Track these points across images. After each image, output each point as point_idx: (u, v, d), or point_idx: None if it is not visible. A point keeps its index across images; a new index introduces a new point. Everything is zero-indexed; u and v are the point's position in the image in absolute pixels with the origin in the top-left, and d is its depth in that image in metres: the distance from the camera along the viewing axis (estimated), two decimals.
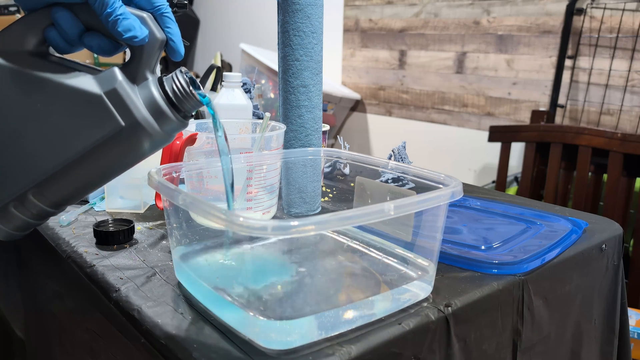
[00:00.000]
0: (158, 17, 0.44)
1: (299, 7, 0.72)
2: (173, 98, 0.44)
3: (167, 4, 0.45)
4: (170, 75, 0.45)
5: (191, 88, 0.45)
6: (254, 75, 2.05)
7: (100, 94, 0.42)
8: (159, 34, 0.44)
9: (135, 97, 0.42)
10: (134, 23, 0.42)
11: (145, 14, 0.43)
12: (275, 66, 1.98)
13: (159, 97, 0.43)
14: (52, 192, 0.44)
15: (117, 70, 0.43)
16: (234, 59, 2.91)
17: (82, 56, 2.48)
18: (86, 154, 0.42)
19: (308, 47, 0.74)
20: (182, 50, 0.46)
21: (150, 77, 0.44)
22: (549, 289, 0.64)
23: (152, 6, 0.44)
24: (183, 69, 0.46)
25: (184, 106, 0.45)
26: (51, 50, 0.45)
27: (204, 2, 3.51)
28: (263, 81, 2.01)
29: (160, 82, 0.44)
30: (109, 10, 0.41)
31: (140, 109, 0.42)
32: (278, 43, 0.76)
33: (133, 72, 0.43)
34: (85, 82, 0.42)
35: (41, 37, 0.43)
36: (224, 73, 0.95)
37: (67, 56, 0.46)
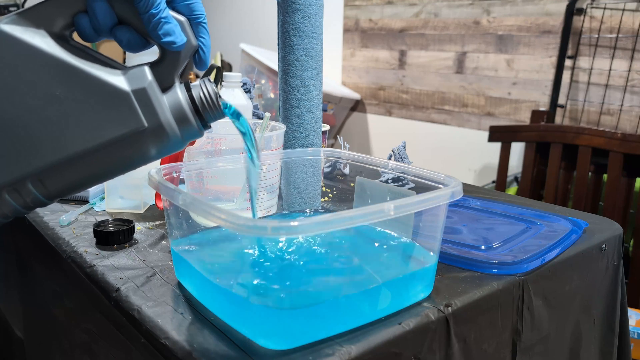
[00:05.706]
0: (194, 25, 0.44)
1: (299, 7, 0.72)
2: (199, 106, 0.44)
3: (205, 14, 0.45)
4: (198, 82, 0.44)
5: (219, 99, 0.44)
6: (254, 75, 2.05)
7: (128, 91, 0.41)
8: (193, 41, 0.44)
9: (162, 100, 0.42)
10: (175, 28, 0.42)
11: (183, 19, 0.43)
12: (275, 66, 1.98)
13: (186, 103, 0.43)
14: (53, 183, 0.42)
15: (147, 69, 0.42)
16: (234, 59, 2.91)
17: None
18: (98, 149, 0.41)
19: (308, 47, 0.74)
20: (209, 61, 0.46)
21: (176, 81, 0.43)
22: (549, 289, 0.64)
23: (191, 13, 0.44)
24: (209, 78, 0.45)
25: (207, 115, 0.44)
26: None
27: (204, 2, 3.49)
28: (263, 81, 2.01)
29: (187, 88, 0.44)
30: (153, 11, 0.40)
31: (166, 113, 0.42)
32: (278, 43, 0.76)
33: (162, 74, 0.43)
34: (113, 76, 0.41)
35: (69, 21, 0.41)
36: (224, 73, 0.95)
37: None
